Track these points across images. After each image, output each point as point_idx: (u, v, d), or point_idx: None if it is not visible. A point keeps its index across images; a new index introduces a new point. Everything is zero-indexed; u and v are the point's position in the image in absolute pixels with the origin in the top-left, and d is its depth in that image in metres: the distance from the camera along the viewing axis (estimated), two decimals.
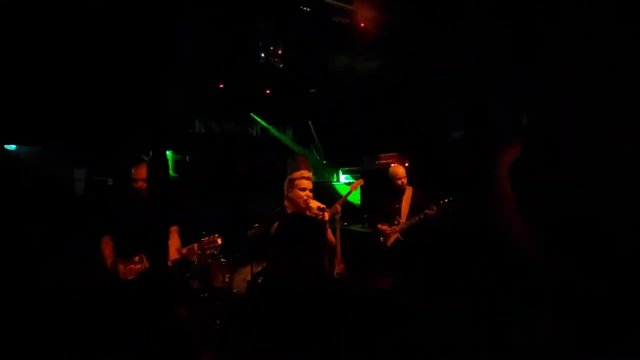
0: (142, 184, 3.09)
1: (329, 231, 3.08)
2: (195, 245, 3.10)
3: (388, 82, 5.18)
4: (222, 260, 3.75)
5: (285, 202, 2.96)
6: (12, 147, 3.60)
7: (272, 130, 6.29)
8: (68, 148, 3.86)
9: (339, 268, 3.64)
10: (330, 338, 2.89)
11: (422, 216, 3.79)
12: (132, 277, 2.96)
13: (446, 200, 3.75)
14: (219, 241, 3.14)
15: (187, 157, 4.88)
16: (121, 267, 2.99)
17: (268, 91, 5.90)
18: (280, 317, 2.75)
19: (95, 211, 3.70)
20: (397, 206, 4.00)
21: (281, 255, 2.93)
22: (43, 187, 3.55)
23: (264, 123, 6.22)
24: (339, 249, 3.64)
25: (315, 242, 2.87)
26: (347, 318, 3.20)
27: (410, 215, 3.90)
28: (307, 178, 2.93)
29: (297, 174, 2.95)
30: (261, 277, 3.75)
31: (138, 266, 2.98)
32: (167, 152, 4.99)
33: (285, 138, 6.53)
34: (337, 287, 3.48)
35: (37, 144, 3.74)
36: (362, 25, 4.54)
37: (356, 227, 5.33)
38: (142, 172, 3.08)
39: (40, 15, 3.22)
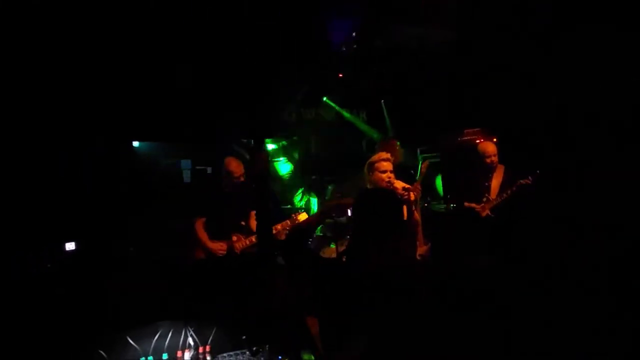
0: (234, 174, 3.52)
1: (415, 212, 3.12)
2: (288, 221, 3.52)
3: (467, 56, 4.91)
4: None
5: (368, 186, 3.07)
6: (136, 143, 4.30)
7: (347, 114, 6.31)
8: (177, 142, 4.48)
9: (421, 249, 3.67)
10: (414, 318, 2.97)
11: (514, 188, 3.68)
12: (238, 252, 3.46)
13: (540, 171, 3.64)
14: (306, 215, 3.57)
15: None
16: (232, 242, 3.48)
17: (341, 75, 5.93)
18: (363, 296, 2.89)
19: (195, 197, 4.24)
20: (486, 184, 3.88)
21: (366, 234, 3.05)
22: (158, 175, 4.22)
23: (337, 108, 6.26)
24: (420, 229, 3.67)
25: (401, 221, 2.93)
26: (431, 299, 3.24)
27: (501, 191, 3.79)
28: (386, 160, 2.98)
29: (375, 157, 3.03)
30: (345, 256, 3.93)
31: (241, 242, 3.47)
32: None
33: (359, 121, 6.50)
34: (420, 269, 3.52)
35: (154, 140, 4.43)
36: None
37: (437, 207, 5.25)
38: (233, 165, 3.53)
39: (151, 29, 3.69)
